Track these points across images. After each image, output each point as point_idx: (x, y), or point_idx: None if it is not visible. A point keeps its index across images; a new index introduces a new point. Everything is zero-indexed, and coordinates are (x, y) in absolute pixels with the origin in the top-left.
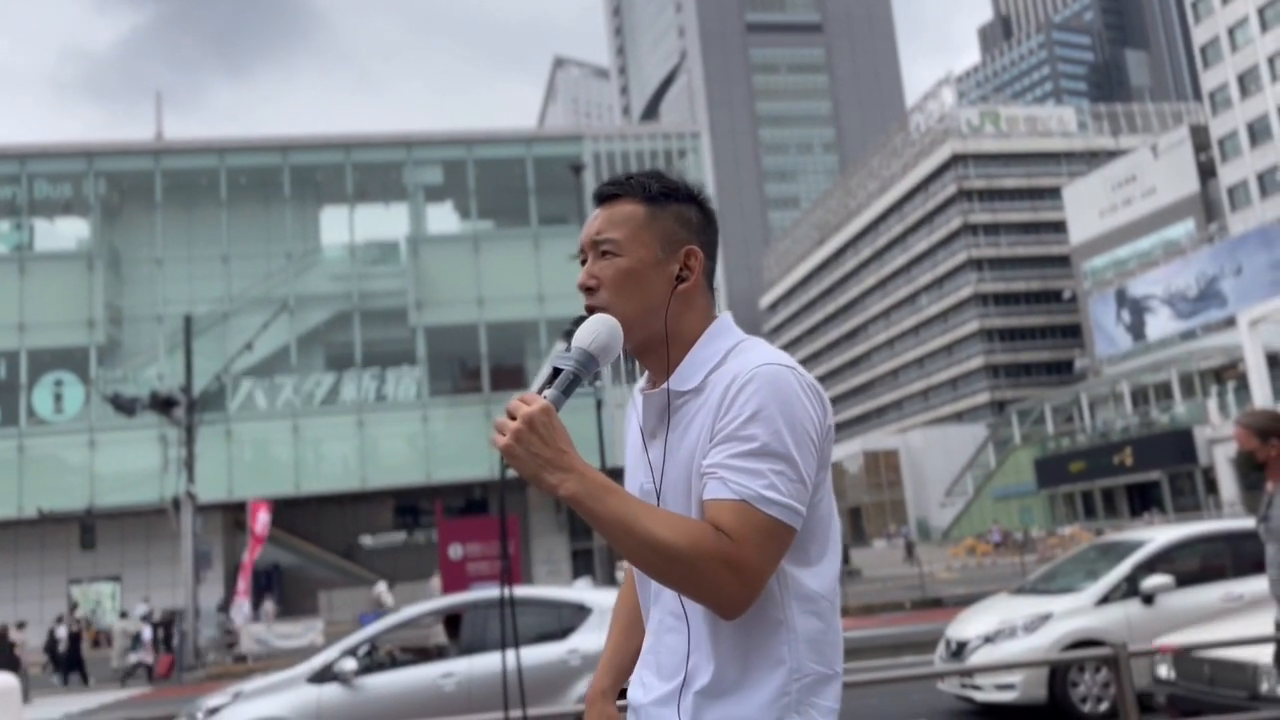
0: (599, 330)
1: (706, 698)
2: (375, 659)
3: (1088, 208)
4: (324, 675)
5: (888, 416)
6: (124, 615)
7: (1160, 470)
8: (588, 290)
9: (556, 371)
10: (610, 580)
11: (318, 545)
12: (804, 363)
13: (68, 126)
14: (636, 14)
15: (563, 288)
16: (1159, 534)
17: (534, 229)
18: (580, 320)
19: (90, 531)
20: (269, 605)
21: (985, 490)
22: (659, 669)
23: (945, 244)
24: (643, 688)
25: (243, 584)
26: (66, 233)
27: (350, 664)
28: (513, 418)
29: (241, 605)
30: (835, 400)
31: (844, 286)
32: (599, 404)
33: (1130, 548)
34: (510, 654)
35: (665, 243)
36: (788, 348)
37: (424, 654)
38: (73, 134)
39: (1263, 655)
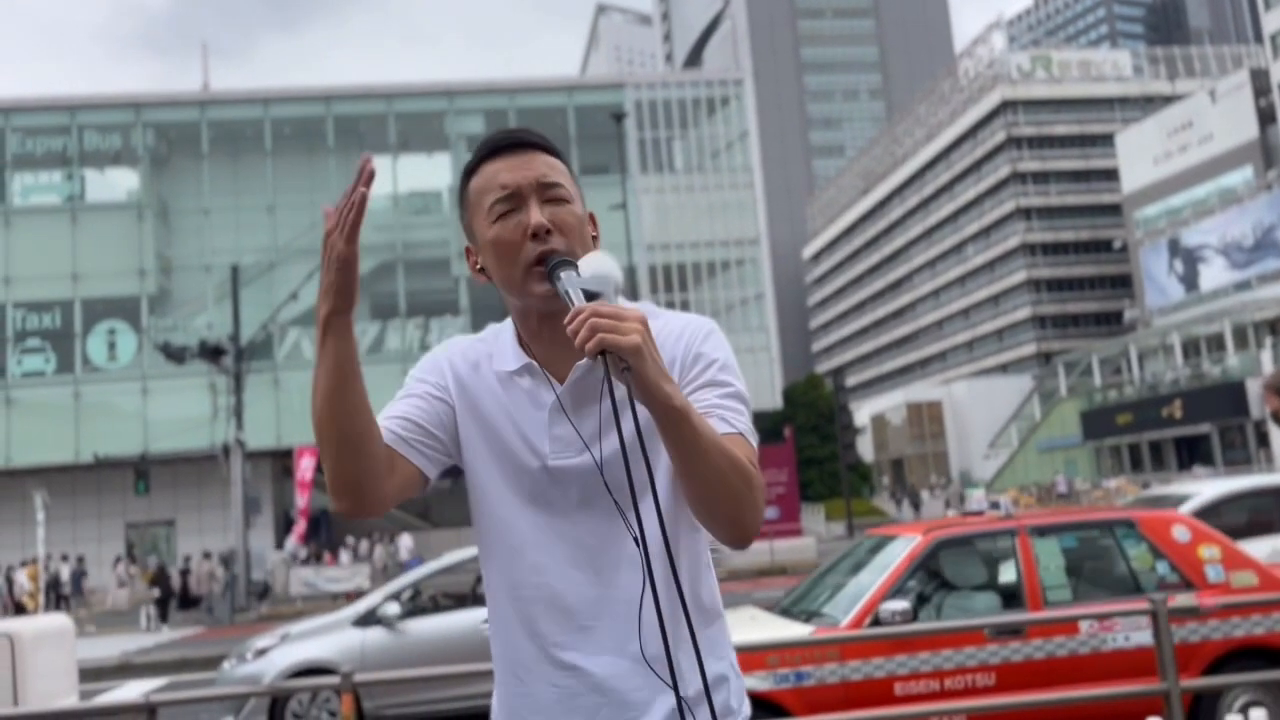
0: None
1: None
2: (418, 604)
3: (1141, 155)
4: (368, 619)
5: (931, 368)
6: (207, 556)
7: (1211, 423)
8: (542, 234)
9: (590, 296)
10: None
11: None
12: (847, 314)
13: (122, 81)
14: None
15: (604, 237)
16: (1205, 488)
17: (576, 177)
18: (561, 261)
19: (145, 476)
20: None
21: (1030, 442)
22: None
23: (993, 193)
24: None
25: (299, 528)
26: (117, 183)
27: (394, 608)
28: (614, 319)
29: (298, 550)
30: (879, 351)
31: (889, 236)
32: None
33: (1177, 502)
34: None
35: (581, 200)
36: (831, 298)
37: (465, 600)
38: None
39: None
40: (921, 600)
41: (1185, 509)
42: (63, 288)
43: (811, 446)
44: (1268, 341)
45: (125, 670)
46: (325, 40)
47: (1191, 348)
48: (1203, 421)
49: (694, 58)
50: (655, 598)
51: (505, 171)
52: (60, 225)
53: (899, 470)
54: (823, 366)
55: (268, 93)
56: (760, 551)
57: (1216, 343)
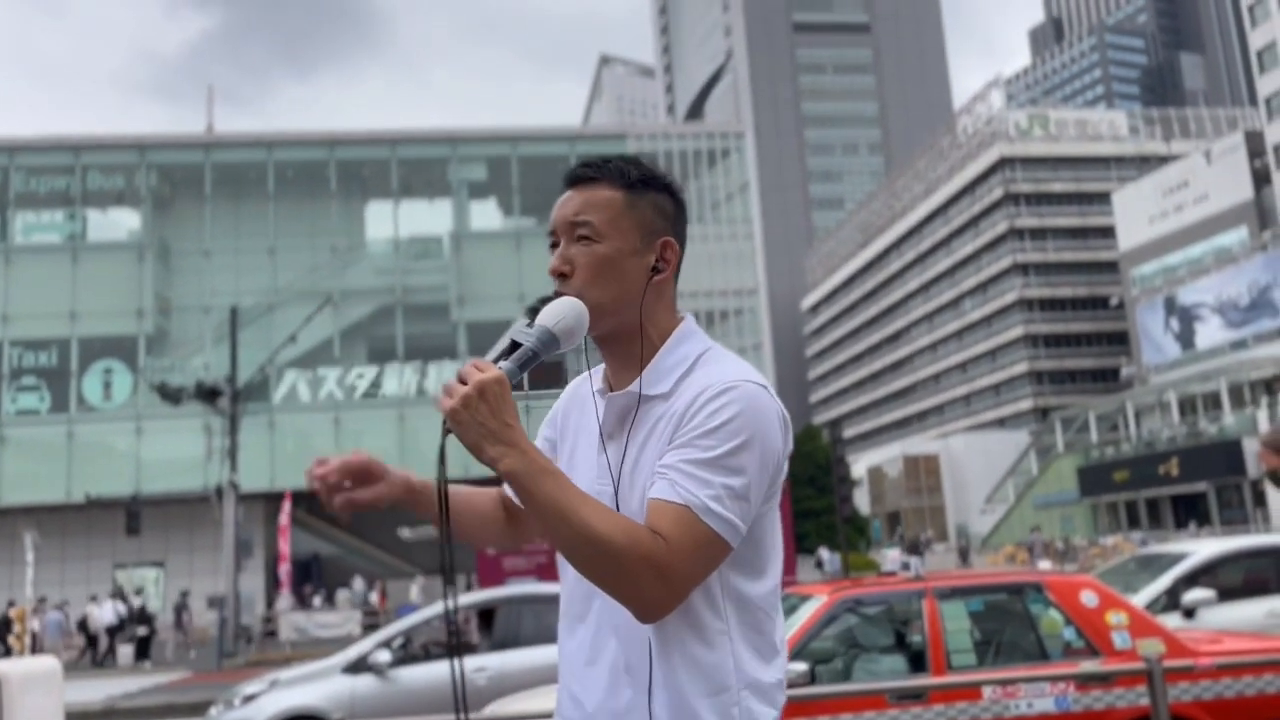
0: (566, 313)
1: (661, 705)
2: (409, 651)
3: (1137, 213)
4: (359, 666)
5: (928, 421)
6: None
7: (1207, 482)
8: (561, 275)
9: (514, 345)
10: None
11: (358, 536)
12: (845, 366)
13: (136, 126)
14: (683, 13)
15: None
16: (1202, 547)
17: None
18: (546, 300)
19: (135, 517)
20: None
21: (1026, 498)
22: (604, 683)
23: (991, 248)
24: (579, 704)
25: (283, 574)
26: (119, 223)
27: (385, 656)
28: (463, 383)
29: (283, 596)
30: (876, 403)
31: (887, 289)
32: None
33: (1172, 560)
34: (457, 660)
35: (644, 232)
36: (829, 350)
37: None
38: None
39: None
40: (825, 662)
41: (1181, 568)
42: (60, 326)
43: (808, 498)
44: (1264, 401)
45: (110, 715)
46: (336, 88)
47: (1188, 406)
48: (1199, 480)
49: (696, 110)
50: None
51: (556, 209)
52: (60, 264)
53: (895, 523)
54: (820, 418)
55: (272, 136)
56: None
57: (1213, 401)
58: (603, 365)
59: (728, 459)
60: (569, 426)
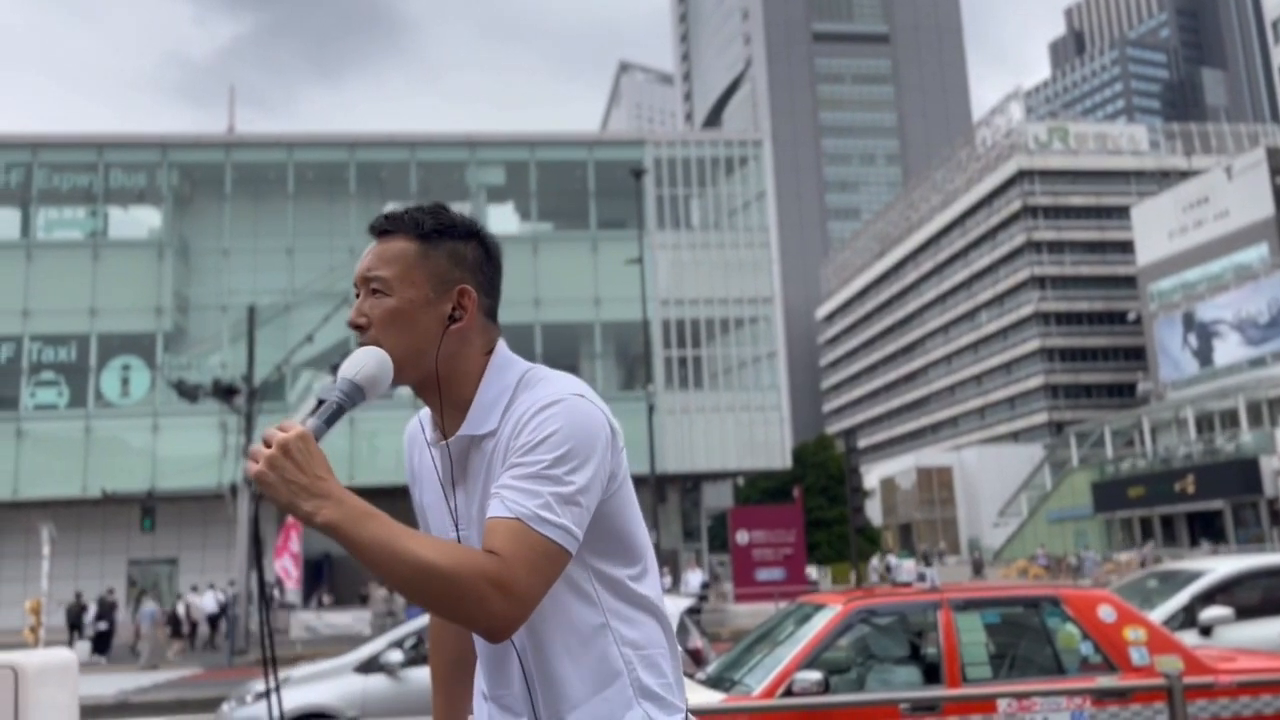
0: (365, 362)
1: (563, 715)
2: (420, 651)
3: (1156, 228)
4: (370, 666)
5: (942, 433)
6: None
7: (1223, 500)
8: (358, 328)
9: (321, 403)
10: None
11: None
12: (859, 376)
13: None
14: (702, 21)
15: (619, 291)
16: (1219, 564)
17: (593, 232)
18: (336, 365)
19: (150, 513)
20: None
21: (1040, 512)
22: (507, 708)
23: (1008, 260)
24: None
25: (294, 572)
26: (140, 221)
27: (396, 656)
28: (268, 445)
29: (290, 593)
30: (889, 414)
31: (902, 300)
32: (650, 409)
33: (1189, 577)
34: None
35: (436, 281)
36: (844, 360)
37: None
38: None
39: None
40: (840, 671)
41: (1198, 586)
42: (80, 322)
43: (820, 508)
44: None
45: (123, 709)
46: (361, 93)
47: (1205, 422)
48: (1215, 497)
49: (714, 118)
50: (522, 667)
51: (359, 262)
52: (81, 261)
53: (908, 535)
54: (833, 427)
55: (292, 137)
56: (765, 614)
57: (1230, 418)
58: (427, 413)
59: (553, 469)
60: (416, 472)
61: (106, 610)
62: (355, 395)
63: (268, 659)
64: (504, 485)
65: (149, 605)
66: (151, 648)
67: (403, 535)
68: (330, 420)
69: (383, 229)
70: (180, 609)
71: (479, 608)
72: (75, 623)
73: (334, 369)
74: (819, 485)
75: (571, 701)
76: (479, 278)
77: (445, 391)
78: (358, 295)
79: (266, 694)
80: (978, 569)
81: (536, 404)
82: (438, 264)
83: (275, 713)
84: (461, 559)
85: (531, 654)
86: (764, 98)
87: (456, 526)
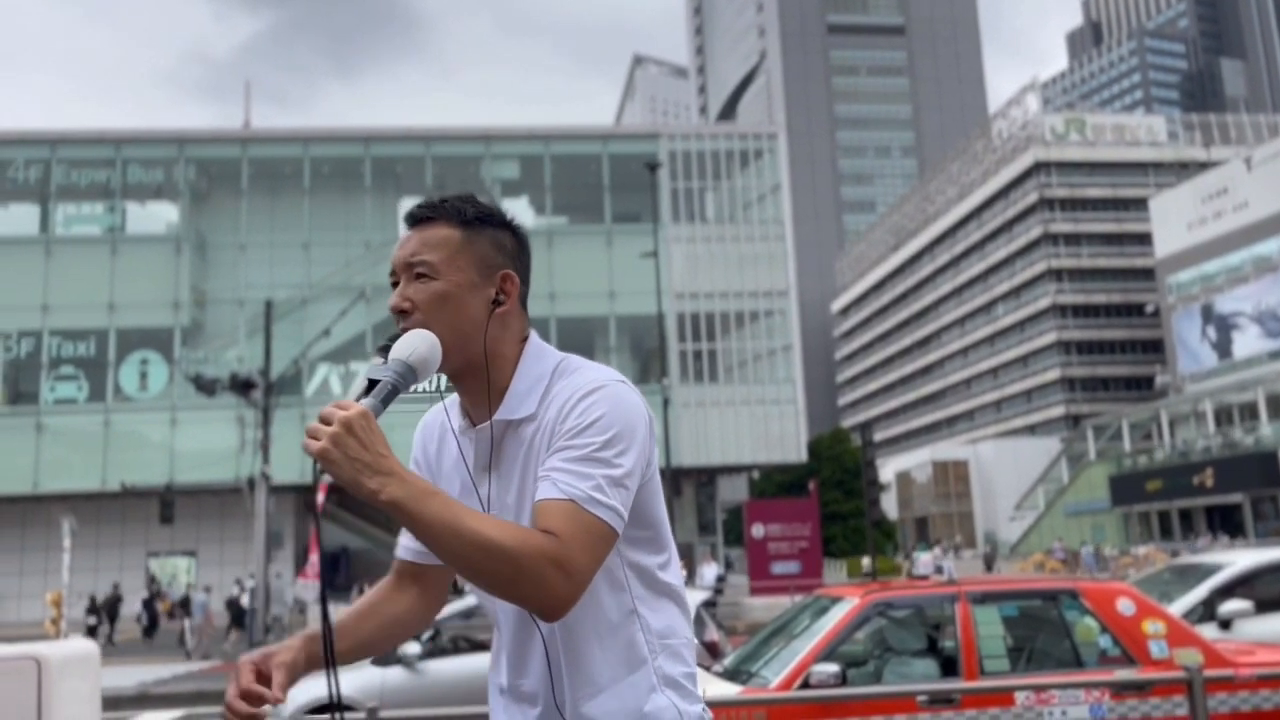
0: (418, 344)
1: (585, 700)
2: (439, 644)
3: (1175, 220)
4: (389, 658)
5: (958, 427)
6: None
7: (1243, 493)
8: (401, 313)
9: (372, 384)
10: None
11: (385, 530)
12: (874, 370)
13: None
14: (717, 14)
15: (634, 285)
16: (1239, 557)
17: (607, 226)
18: (396, 337)
19: (169, 507)
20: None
21: (1057, 505)
22: (522, 696)
23: (1024, 253)
24: (513, 713)
25: (313, 565)
26: (157, 216)
27: (415, 648)
28: (328, 423)
29: (308, 586)
30: (905, 408)
31: (918, 293)
32: (665, 403)
33: (1209, 571)
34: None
35: (481, 266)
36: (859, 353)
37: (486, 645)
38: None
39: None
40: (857, 664)
41: (1218, 579)
42: (99, 317)
43: (836, 501)
44: None
45: (143, 701)
46: (377, 89)
47: (1224, 416)
48: (1234, 491)
49: (728, 110)
50: (546, 652)
51: (395, 250)
52: (100, 256)
53: (923, 529)
54: (849, 421)
55: (308, 132)
56: (780, 607)
57: (1250, 411)
58: (458, 401)
59: (603, 452)
60: (433, 463)
61: (148, 602)
62: (409, 376)
63: (328, 646)
64: (554, 468)
65: (200, 595)
66: (203, 639)
67: (465, 514)
68: (386, 400)
69: (424, 216)
70: (244, 599)
71: (539, 586)
72: (112, 613)
73: (381, 350)
74: (835, 479)
75: (597, 686)
76: (517, 264)
77: (484, 378)
78: (395, 283)
79: (327, 678)
80: (989, 564)
81: (580, 389)
82: (482, 249)
83: (333, 690)
84: (523, 538)
85: (561, 639)
86: (779, 90)
87: (487, 510)
